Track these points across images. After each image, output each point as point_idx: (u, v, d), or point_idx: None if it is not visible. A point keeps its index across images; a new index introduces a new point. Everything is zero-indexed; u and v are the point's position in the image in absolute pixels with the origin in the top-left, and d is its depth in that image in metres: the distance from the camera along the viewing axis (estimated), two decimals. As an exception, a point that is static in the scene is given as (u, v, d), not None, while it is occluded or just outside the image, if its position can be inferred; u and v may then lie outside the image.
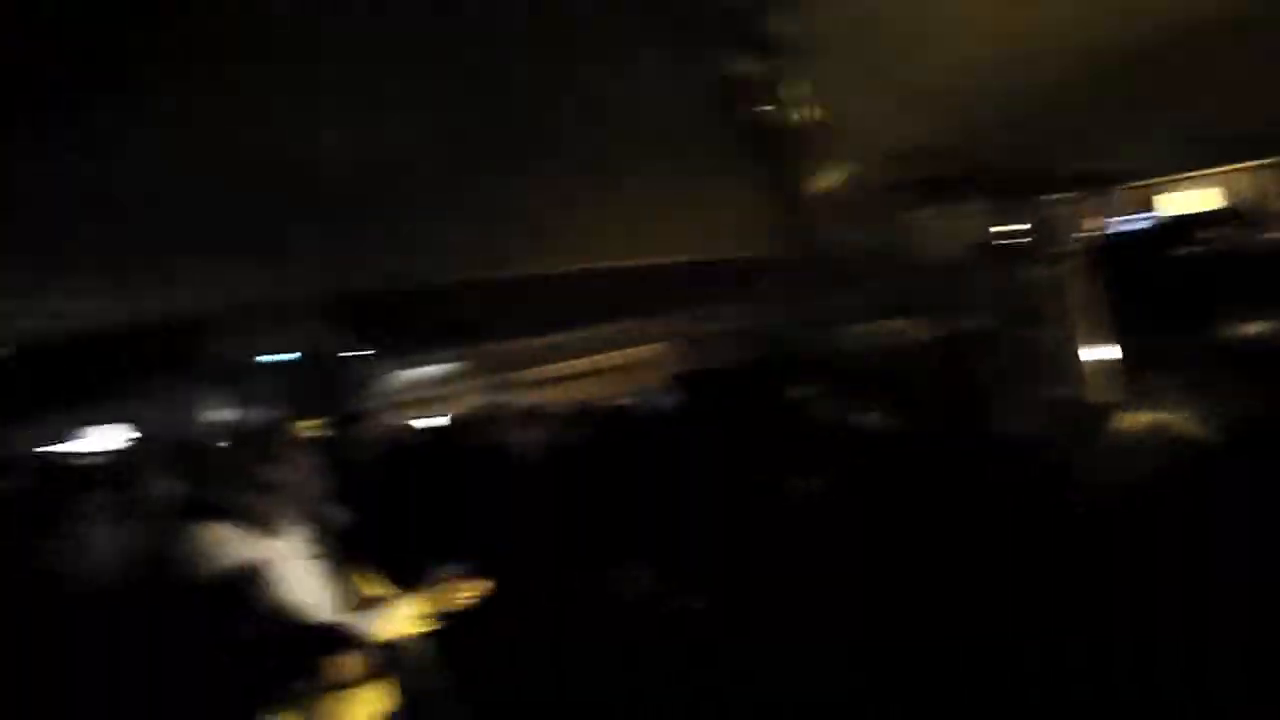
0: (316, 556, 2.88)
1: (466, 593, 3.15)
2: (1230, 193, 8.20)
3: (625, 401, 8.83)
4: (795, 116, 6.44)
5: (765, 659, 3.55)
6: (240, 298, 14.61)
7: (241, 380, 14.46)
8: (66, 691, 2.07)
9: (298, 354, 14.85)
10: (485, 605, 3.44)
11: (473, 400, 11.70)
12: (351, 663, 2.68)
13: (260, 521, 2.76)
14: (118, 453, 8.49)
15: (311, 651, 2.56)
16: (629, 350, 16.01)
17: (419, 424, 9.26)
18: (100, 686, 2.12)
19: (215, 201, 13.45)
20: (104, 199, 12.12)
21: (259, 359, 14.70)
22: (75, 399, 13.71)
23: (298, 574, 2.74)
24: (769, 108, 6.49)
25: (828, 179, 6.39)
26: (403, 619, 2.99)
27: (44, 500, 2.57)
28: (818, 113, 6.44)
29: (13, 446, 11.95)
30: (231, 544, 2.57)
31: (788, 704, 3.29)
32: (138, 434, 13.35)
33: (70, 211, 12.28)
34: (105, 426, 13.81)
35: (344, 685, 2.65)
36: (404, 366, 15.86)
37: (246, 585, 2.46)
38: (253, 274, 14.14)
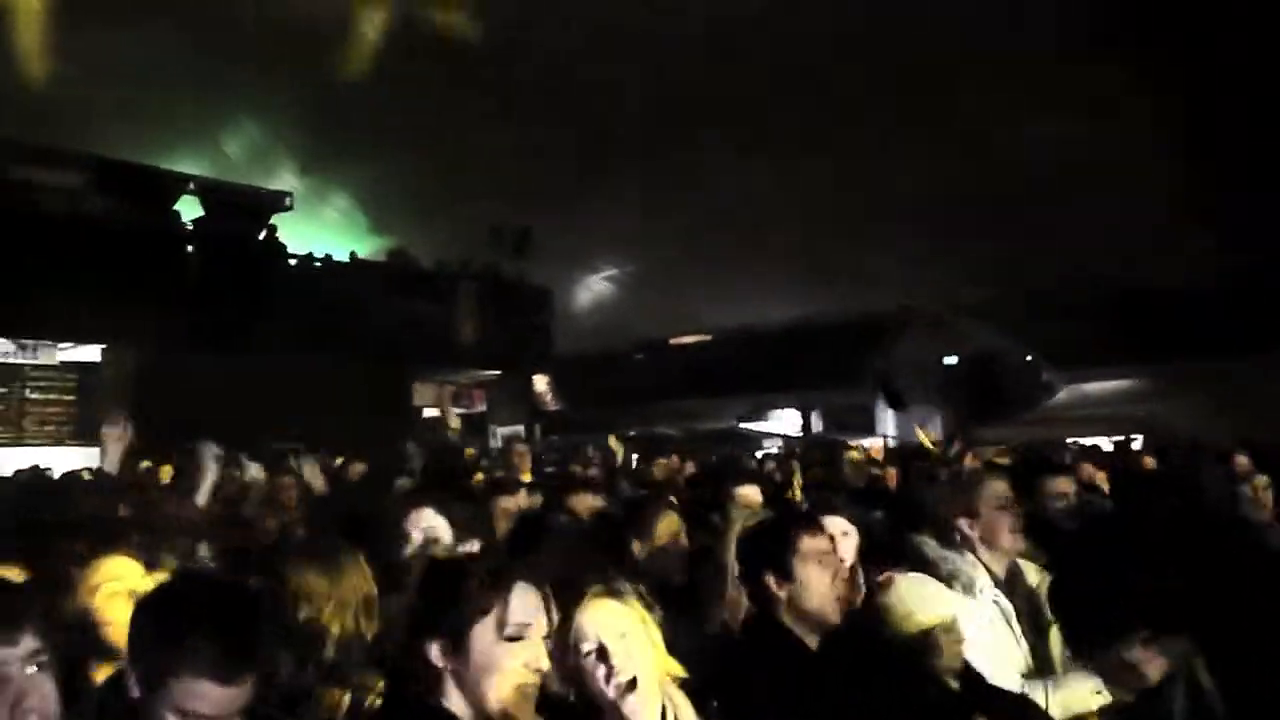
0: (1005, 616, 2.73)
1: (1153, 671, 2.70)
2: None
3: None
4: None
5: None
6: (917, 299, 14.97)
7: (914, 382, 14.67)
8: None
9: (971, 356, 14.73)
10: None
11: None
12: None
13: (952, 573, 2.69)
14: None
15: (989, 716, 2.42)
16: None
17: (1099, 445, 8.58)
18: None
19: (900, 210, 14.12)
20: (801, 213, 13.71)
21: (938, 360, 14.80)
22: (763, 384, 15.08)
23: (984, 632, 2.63)
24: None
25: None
26: (1084, 694, 2.69)
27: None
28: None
29: (716, 420, 13.43)
30: (931, 595, 2.51)
31: None
32: (824, 425, 14.21)
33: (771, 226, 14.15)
34: (788, 411, 14.96)
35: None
36: (1084, 379, 14.80)
37: (939, 640, 2.39)
38: (930, 276, 14.41)
